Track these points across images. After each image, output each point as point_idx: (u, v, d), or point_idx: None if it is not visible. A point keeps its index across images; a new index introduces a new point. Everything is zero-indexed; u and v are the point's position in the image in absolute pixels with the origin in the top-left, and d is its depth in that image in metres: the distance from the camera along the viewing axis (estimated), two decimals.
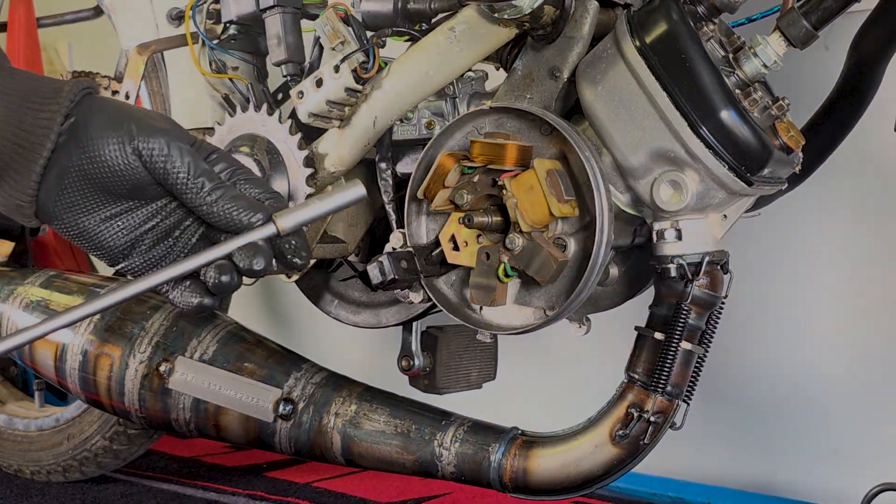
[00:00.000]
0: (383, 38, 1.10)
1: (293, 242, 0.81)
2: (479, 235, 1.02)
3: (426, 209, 1.08)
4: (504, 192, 0.98)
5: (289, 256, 0.81)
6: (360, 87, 1.10)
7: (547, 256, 0.97)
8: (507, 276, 1.00)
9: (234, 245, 0.79)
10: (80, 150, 0.80)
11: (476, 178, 1.00)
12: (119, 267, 0.84)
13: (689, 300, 1.01)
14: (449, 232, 1.03)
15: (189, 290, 0.81)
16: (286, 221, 0.79)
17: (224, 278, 0.78)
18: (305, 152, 1.15)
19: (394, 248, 1.09)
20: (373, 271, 1.04)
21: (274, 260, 0.81)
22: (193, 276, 0.81)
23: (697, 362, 1.04)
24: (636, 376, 1.03)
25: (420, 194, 1.04)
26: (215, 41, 1.29)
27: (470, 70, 1.13)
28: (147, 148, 0.80)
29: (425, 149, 1.07)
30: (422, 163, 1.05)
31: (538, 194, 0.96)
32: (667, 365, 1.01)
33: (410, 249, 1.06)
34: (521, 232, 0.98)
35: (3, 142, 0.79)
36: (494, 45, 1.08)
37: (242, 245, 0.79)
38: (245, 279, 1.20)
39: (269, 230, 0.79)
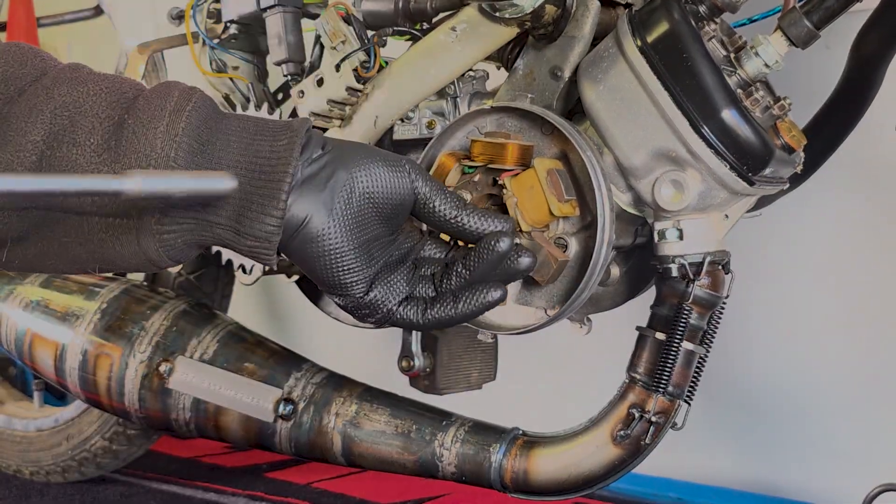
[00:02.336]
0: (384, 38, 1.10)
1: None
2: None
3: None
4: (504, 191, 0.98)
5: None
6: (361, 87, 1.10)
7: (547, 256, 0.97)
8: None
9: None
10: (362, 173, 0.81)
11: (477, 178, 1.00)
12: (368, 297, 0.84)
13: (690, 300, 1.01)
14: None
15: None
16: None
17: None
18: None
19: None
20: None
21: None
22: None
23: (699, 362, 1.04)
24: (637, 376, 1.03)
25: None
26: (216, 40, 1.29)
27: (471, 69, 1.13)
28: (417, 177, 0.84)
29: (426, 148, 1.06)
30: (423, 163, 1.05)
31: (538, 194, 0.96)
32: (668, 365, 1.01)
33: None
34: (521, 231, 0.98)
35: (241, 173, 0.77)
36: (495, 45, 1.08)
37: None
38: (245, 279, 1.19)
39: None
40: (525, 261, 0.84)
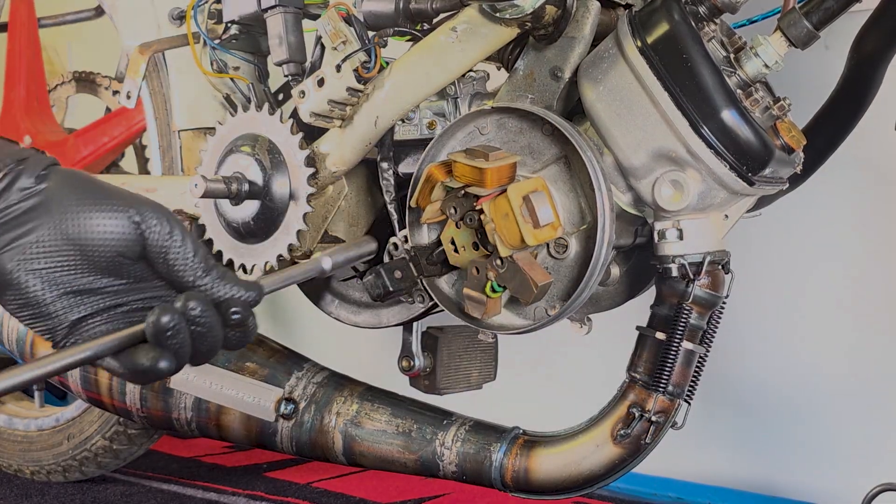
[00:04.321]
0: (385, 38, 1.10)
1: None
2: (475, 242, 1.02)
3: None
4: (482, 216, 0.97)
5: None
6: (361, 87, 1.10)
7: (528, 280, 0.96)
8: (494, 291, 1.00)
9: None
10: (66, 215, 0.75)
11: (461, 193, 0.99)
12: (58, 343, 0.77)
13: (690, 300, 1.01)
14: (449, 234, 1.03)
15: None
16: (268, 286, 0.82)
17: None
18: (307, 152, 1.15)
19: (391, 256, 1.10)
20: (367, 284, 1.06)
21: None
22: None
23: (699, 362, 1.04)
24: (637, 376, 1.03)
25: (412, 204, 1.04)
26: (217, 41, 1.29)
27: (471, 70, 1.13)
28: (148, 222, 0.77)
29: (427, 148, 1.07)
30: (418, 170, 1.05)
31: (512, 222, 0.95)
32: (668, 364, 1.01)
33: (404, 256, 1.07)
34: (499, 258, 0.97)
35: None
36: (496, 45, 1.08)
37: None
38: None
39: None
40: (164, 364, 0.74)
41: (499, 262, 0.98)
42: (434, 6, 1.11)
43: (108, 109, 1.90)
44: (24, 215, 0.75)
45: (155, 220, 0.77)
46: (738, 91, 0.97)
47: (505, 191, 0.96)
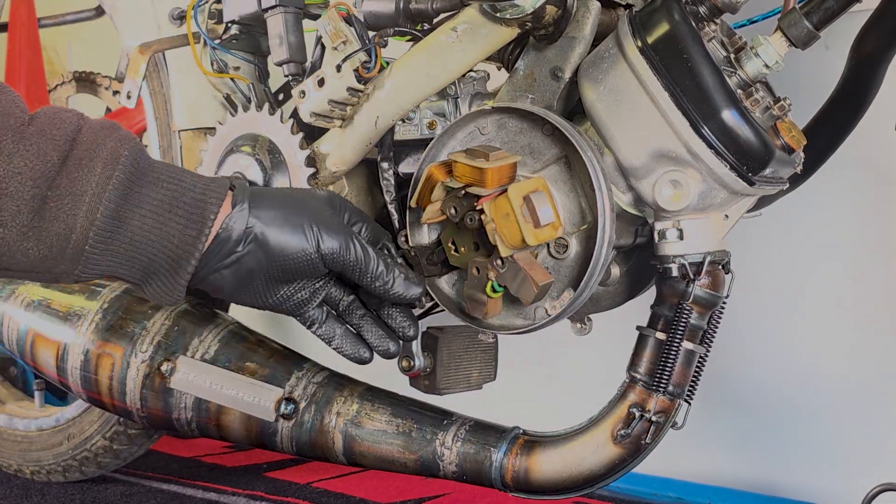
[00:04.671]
0: (385, 38, 1.10)
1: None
2: (475, 242, 1.02)
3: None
4: (483, 216, 0.97)
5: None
6: (361, 87, 1.10)
7: (528, 280, 0.96)
8: (494, 291, 1.00)
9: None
10: (268, 258, 0.94)
11: (461, 193, 0.99)
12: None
13: (690, 300, 1.01)
14: (449, 235, 1.03)
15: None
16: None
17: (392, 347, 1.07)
18: (307, 152, 1.15)
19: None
20: None
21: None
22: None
23: (699, 362, 1.04)
24: (638, 376, 1.03)
25: (413, 204, 1.04)
26: (217, 41, 1.29)
27: (472, 70, 1.13)
28: (328, 248, 0.96)
29: (427, 148, 1.07)
30: (419, 170, 1.05)
31: (513, 222, 0.95)
32: (668, 364, 1.01)
33: (403, 255, 1.07)
34: (500, 257, 0.97)
35: (151, 250, 0.89)
36: (496, 45, 1.08)
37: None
38: None
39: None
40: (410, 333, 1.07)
41: (499, 262, 0.98)
42: (434, 6, 1.11)
43: (108, 110, 1.90)
44: (240, 262, 0.95)
45: (333, 245, 0.96)
46: (739, 91, 0.97)
47: (505, 191, 0.96)
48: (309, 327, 1.04)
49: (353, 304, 1.05)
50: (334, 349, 1.05)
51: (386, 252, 1.03)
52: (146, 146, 1.77)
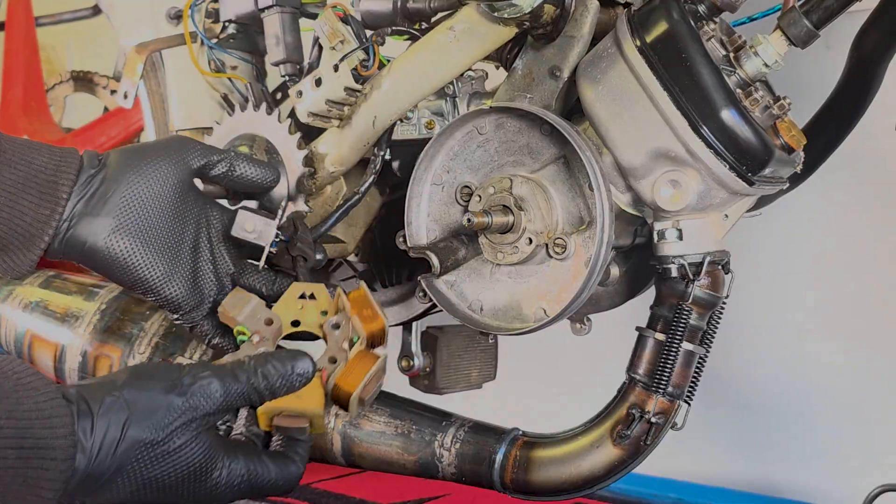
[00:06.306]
0: (383, 38, 1.10)
1: None
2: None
3: (428, 208, 1.08)
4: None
5: None
6: (359, 87, 1.10)
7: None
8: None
9: None
10: (137, 184, 0.95)
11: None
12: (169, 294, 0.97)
13: (690, 300, 1.01)
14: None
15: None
16: None
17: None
18: (305, 152, 1.14)
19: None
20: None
21: None
22: None
23: (698, 363, 1.04)
24: (637, 377, 1.03)
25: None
26: (214, 40, 1.29)
27: (470, 69, 1.13)
28: (195, 160, 0.98)
29: (426, 148, 1.06)
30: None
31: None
32: (668, 365, 1.01)
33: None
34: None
35: (2, 227, 0.91)
36: (494, 45, 1.08)
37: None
38: None
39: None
40: None
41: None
42: (432, 5, 1.11)
43: (105, 109, 1.89)
44: (97, 192, 0.95)
45: (192, 152, 0.98)
46: (738, 90, 0.97)
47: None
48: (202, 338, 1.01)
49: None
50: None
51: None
52: None
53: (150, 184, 0.95)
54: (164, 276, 0.95)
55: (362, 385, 0.89)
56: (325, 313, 0.95)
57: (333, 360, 0.91)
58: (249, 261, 1.02)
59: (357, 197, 1.12)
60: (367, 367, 0.90)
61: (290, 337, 0.96)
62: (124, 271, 0.94)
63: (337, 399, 0.89)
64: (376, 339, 0.92)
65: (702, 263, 1.00)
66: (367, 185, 1.12)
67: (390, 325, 1.27)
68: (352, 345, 0.91)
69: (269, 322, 0.93)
